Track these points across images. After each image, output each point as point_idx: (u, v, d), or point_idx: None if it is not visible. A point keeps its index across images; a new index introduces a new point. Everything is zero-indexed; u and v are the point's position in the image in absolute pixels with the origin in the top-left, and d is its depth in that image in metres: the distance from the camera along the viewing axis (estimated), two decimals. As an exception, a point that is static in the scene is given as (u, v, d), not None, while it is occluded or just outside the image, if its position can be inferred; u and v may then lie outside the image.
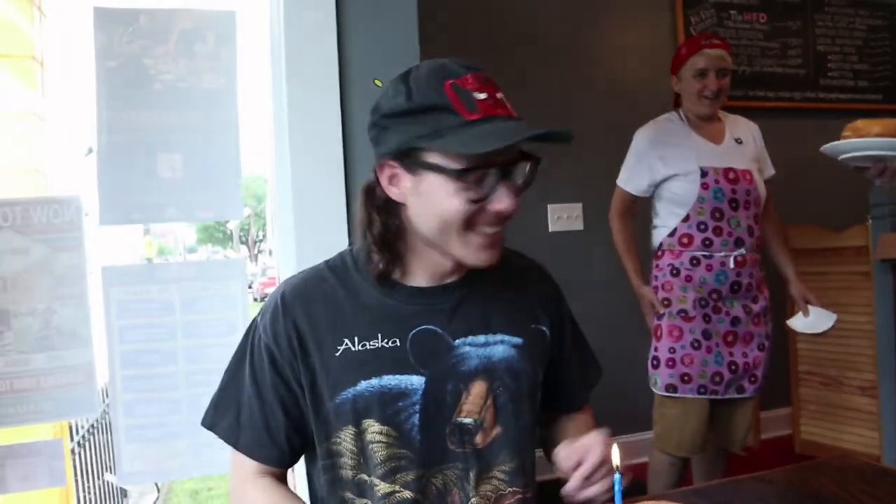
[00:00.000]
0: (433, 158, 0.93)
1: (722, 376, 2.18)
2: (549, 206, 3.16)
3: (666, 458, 2.24)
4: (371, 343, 1.00)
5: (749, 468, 1.17)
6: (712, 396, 2.19)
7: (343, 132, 1.50)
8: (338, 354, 0.99)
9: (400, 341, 1.00)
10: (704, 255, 2.16)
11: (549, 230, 3.17)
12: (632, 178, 2.28)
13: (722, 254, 2.15)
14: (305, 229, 1.51)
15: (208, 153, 1.47)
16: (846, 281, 3.00)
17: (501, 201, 0.94)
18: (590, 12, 3.29)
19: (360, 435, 0.99)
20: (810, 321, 2.28)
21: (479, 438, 1.02)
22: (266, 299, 1.08)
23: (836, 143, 1.36)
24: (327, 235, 1.50)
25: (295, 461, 1.07)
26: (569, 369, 1.15)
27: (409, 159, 0.94)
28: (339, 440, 1.00)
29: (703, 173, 2.15)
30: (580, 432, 1.02)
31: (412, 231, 1.00)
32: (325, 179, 1.51)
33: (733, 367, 2.19)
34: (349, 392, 0.98)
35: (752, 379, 2.23)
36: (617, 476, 0.63)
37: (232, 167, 1.45)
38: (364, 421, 0.99)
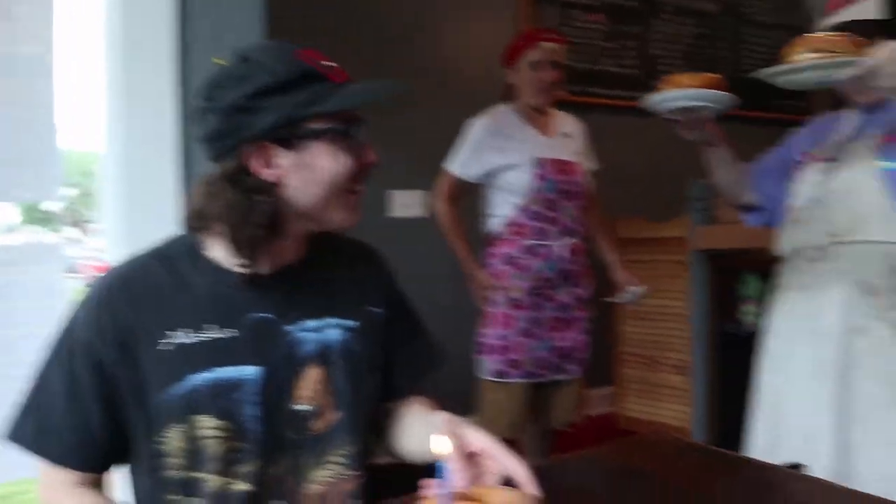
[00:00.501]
0: (316, 125, 0.93)
1: (548, 361, 2.29)
2: (390, 192, 3.18)
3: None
4: (203, 334, 0.96)
5: (577, 444, 1.25)
6: (538, 380, 2.30)
7: (183, 113, 1.42)
8: (165, 348, 0.94)
9: (234, 331, 0.97)
10: (538, 244, 2.25)
11: (391, 215, 3.18)
12: (466, 164, 2.31)
13: (555, 243, 2.26)
14: (138, 211, 1.43)
15: (23, 127, 1.33)
16: (666, 269, 3.26)
17: (370, 154, 0.99)
18: (436, 2, 3.33)
19: (190, 432, 0.94)
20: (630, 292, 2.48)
21: (318, 424, 1.01)
22: (86, 291, 1.00)
23: (657, 93, 1.45)
24: (160, 218, 1.42)
25: (114, 465, 1.00)
26: (400, 354, 1.15)
27: (289, 133, 0.93)
28: (165, 439, 0.94)
29: (537, 164, 2.23)
30: (417, 422, 1.06)
31: (285, 210, 0.96)
32: (159, 160, 1.43)
33: (558, 352, 2.30)
34: (177, 388, 0.93)
35: (579, 361, 2.35)
36: (443, 464, 0.65)
37: (48, 142, 1.32)
38: (194, 417, 0.94)
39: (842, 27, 1.50)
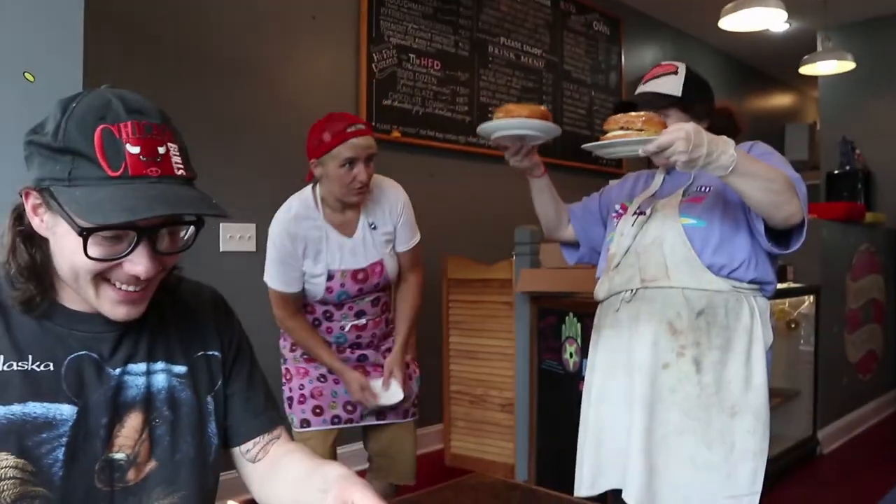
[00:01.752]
0: (67, 206, 0.84)
1: (353, 404, 2.18)
2: (222, 226, 3.06)
3: None
4: (19, 364, 0.88)
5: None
6: (348, 425, 2.19)
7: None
8: None
9: (54, 366, 0.90)
10: (325, 318, 2.17)
11: (221, 250, 3.05)
12: (280, 279, 2.13)
13: (341, 322, 2.17)
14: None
15: None
16: (493, 309, 3.36)
17: (136, 264, 0.88)
18: (278, 35, 3.28)
19: None
20: (388, 393, 2.20)
21: (131, 474, 0.94)
22: None
23: (494, 122, 1.56)
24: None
25: None
26: (239, 396, 1.09)
27: (47, 196, 0.86)
28: None
29: (329, 276, 2.10)
30: (301, 472, 1.02)
31: (49, 270, 0.91)
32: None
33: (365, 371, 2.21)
34: None
35: (392, 406, 2.21)
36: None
37: None
38: None
39: (646, 96, 1.72)
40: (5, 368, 0.87)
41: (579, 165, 4.70)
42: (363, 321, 2.20)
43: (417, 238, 2.26)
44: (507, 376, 3.30)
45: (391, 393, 2.20)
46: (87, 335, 0.93)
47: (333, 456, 2.21)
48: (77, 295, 0.92)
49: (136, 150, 0.84)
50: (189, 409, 1.00)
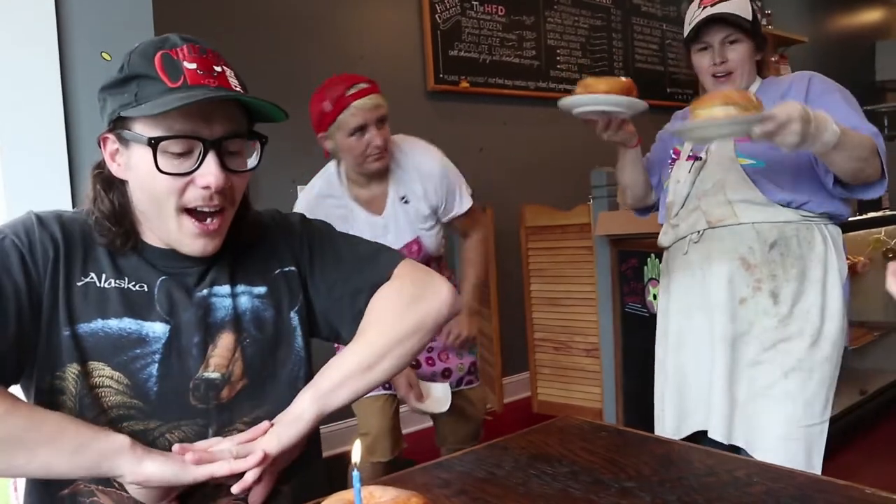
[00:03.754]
0: (136, 128, 0.91)
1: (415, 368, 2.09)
2: (300, 189, 3.12)
3: (373, 469, 2.09)
4: (117, 282, 0.96)
5: (494, 432, 1.24)
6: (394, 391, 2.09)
7: (65, 107, 1.34)
8: (80, 284, 0.94)
9: (147, 287, 0.97)
10: None
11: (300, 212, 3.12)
12: None
13: None
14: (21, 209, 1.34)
15: None
16: (573, 255, 3.33)
17: (206, 176, 0.91)
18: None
19: (84, 376, 0.92)
20: (435, 400, 2.09)
21: (224, 392, 0.98)
22: (8, 222, 0.97)
23: (569, 98, 1.48)
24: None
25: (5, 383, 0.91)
26: (327, 291, 1.09)
27: (120, 130, 0.92)
28: (62, 376, 0.92)
29: None
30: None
31: (130, 211, 0.98)
32: (45, 158, 1.34)
33: (415, 362, 2.10)
34: (83, 327, 0.92)
35: (446, 373, 2.14)
36: (356, 473, 0.64)
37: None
38: (91, 362, 0.92)
39: (718, 19, 1.62)
40: (106, 285, 0.95)
41: (652, 103, 4.56)
42: None
43: (469, 200, 2.09)
44: (590, 321, 3.28)
45: (439, 400, 2.09)
46: (175, 263, 0.99)
47: (396, 428, 2.13)
48: (158, 233, 0.98)
49: (192, 66, 0.90)
50: (273, 328, 1.04)
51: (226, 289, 1.02)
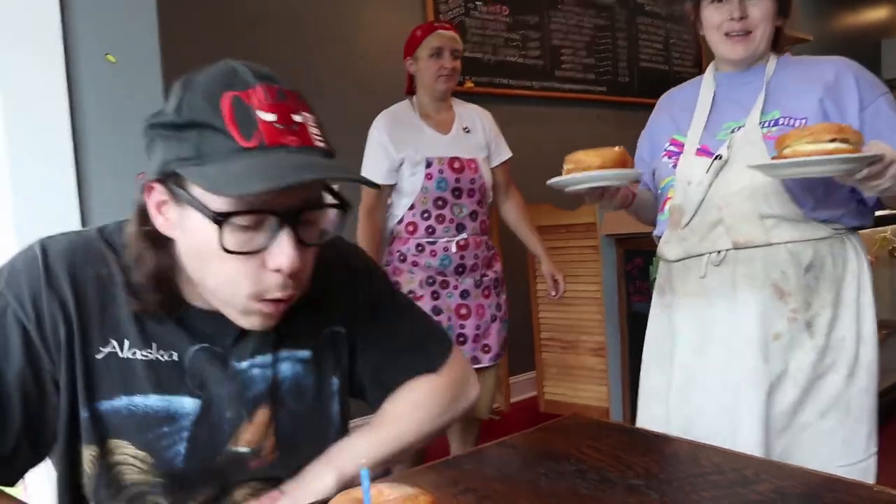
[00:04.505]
0: (196, 191, 0.76)
1: None
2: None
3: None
4: (143, 352, 0.84)
5: (501, 431, 1.25)
6: None
7: (71, 109, 1.34)
8: (100, 358, 0.82)
9: (177, 356, 0.86)
10: (428, 242, 2.28)
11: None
12: (372, 169, 2.31)
13: (444, 240, 2.29)
14: (28, 215, 1.34)
15: None
16: (579, 254, 3.33)
17: (278, 256, 0.77)
18: (343, -7, 3.29)
19: (104, 455, 0.84)
20: None
21: (253, 464, 0.92)
22: (14, 260, 0.83)
23: (561, 177, 1.37)
24: (54, 226, 1.34)
25: (11, 480, 0.84)
26: (373, 360, 1.03)
27: (174, 185, 0.77)
28: (79, 458, 0.84)
29: (428, 164, 2.26)
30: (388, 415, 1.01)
31: (176, 272, 0.85)
32: (50, 162, 1.34)
33: (461, 339, 2.33)
34: (104, 405, 0.83)
35: (486, 348, 2.38)
36: (364, 471, 0.64)
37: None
38: (112, 441, 0.84)
39: None
40: (129, 355, 0.84)
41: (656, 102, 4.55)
42: (464, 237, 2.29)
43: (509, 151, 2.48)
44: (596, 321, 3.28)
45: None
46: (212, 327, 0.88)
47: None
48: (208, 300, 0.85)
49: (269, 117, 0.74)
50: (312, 395, 0.96)
51: (268, 358, 0.92)
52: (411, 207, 2.28)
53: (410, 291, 2.29)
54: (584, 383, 3.42)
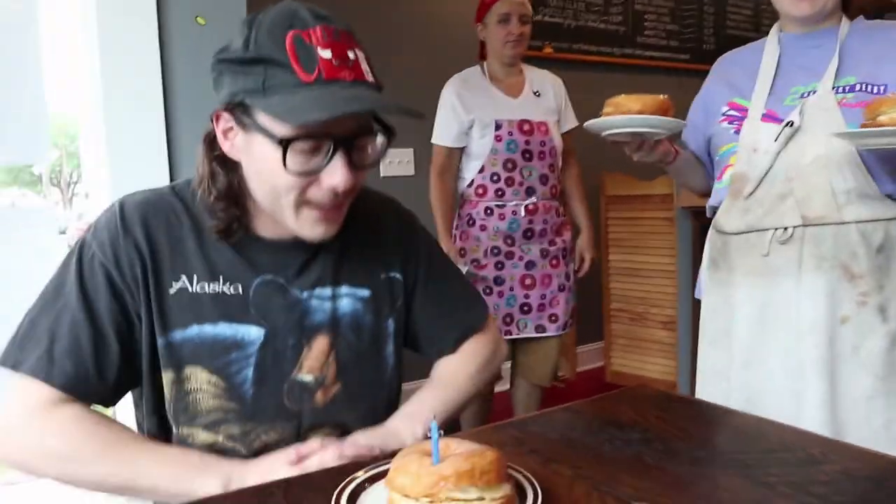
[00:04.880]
0: (261, 118, 0.85)
1: (512, 317, 2.36)
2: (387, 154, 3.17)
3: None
4: (210, 286, 0.94)
5: (565, 399, 1.27)
6: (506, 337, 2.36)
7: (162, 70, 1.41)
8: (173, 291, 0.92)
9: (242, 288, 0.95)
10: (497, 205, 2.30)
11: (381, 175, 3.18)
12: (442, 131, 2.35)
13: (513, 202, 2.30)
14: (122, 171, 1.42)
15: (6, 87, 1.32)
16: (653, 226, 3.28)
17: (333, 175, 0.87)
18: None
19: (180, 382, 0.93)
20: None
21: (318, 395, 0.99)
22: (100, 216, 0.95)
23: (599, 119, 1.33)
24: (147, 178, 1.42)
25: (115, 401, 0.95)
26: (424, 319, 1.11)
27: (241, 114, 0.87)
28: (158, 383, 0.94)
29: (497, 126, 2.27)
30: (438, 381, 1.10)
31: (244, 190, 0.94)
32: (143, 119, 1.41)
33: (525, 308, 2.36)
34: (178, 334, 0.92)
35: (552, 318, 2.40)
36: (433, 423, 0.68)
37: (36, 103, 1.32)
38: (187, 368, 0.93)
39: None
40: (199, 290, 0.93)
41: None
42: (534, 200, 2.31)
43: (576, 122, 2.48)
44: (668, 294, 3.24)
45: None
46: (273, 260, 0.97)
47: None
48: (271, 220, 0.95)
49: (327, 53, 0.83)
50: (370, 333, 1.03)
51: (327, 291, 1.00)
52: (481, 170, 2.30)
53: (475, 260, 2.32)
54: (651, 356, 3.39)
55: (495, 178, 2.29)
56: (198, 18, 1.43)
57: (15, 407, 0.88)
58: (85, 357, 0.89)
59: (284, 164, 0.85)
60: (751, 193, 1.40)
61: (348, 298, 1.02)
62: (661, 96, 1.31)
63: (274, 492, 0.82)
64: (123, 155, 1.42)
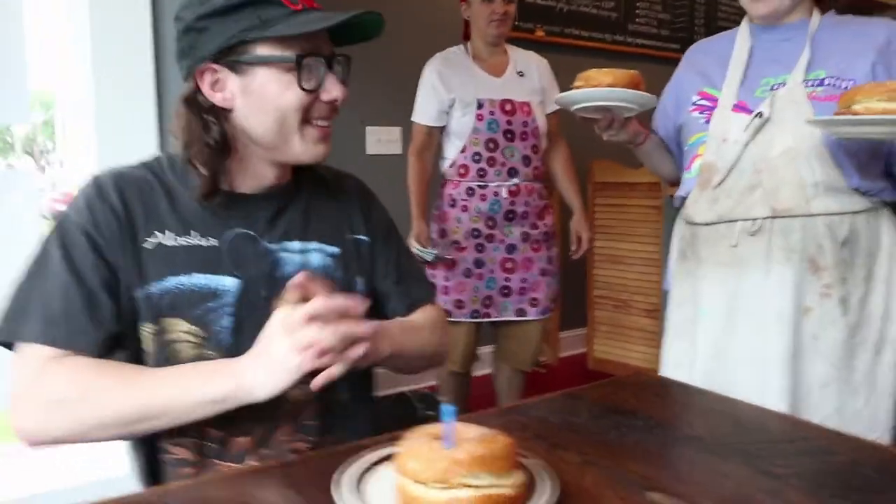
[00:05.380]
0: (264, 50, 0.93)
1: (492, 299, 2.34)
2: (368, 129, 3.13)
3: (450, 377, 2.45)
4: (184, 239, 0.97)
5: (547, 384, 1.26)
6: (485, 319, 2.36)
7: (155, 42, 1.36)
8: (148, 246, 0.96)
9: (216, 241, 0.98)
10: (479, 185, 2.28)
11: (367, 153, 3.15)
12: (422, 109, 2.32)
13: (495, 183, 2.28)
14: (108, 140, 1.37)
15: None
16: (640, 213, 3.29)
17: (331, 90, 0.97)
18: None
19: (160, 333, 0.95)
20: None
21: None
22: (79, 191, 0.99)
23: (569, 92, 1.32)
24: (135, 147, 1.38)
25: (109, 353, 0.96)
26: (388, 283, 1.14)
27: (236, 57, 0.93)
28: (141, 337, 0.95)
29: (479, 105, 2.24)
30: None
31: (241, 137, 0.98)
32: (132, 88, 1.37)
33: (505, 291, 2.34)
34: (154, 287, 0.95)
35: (533, 302, 2.38)
36: (448, 406, 0.66)
37: (15, 63, 1.26)
38: (166, 319, 0.95)
39: None
40: (173, 243, 0.96)
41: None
42: (516, 181, 2.28)
43: (557, 107, 2.34)
44: (652, 282, 3.25)
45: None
46: (245, 214, 1.01)
47: (474, 349, 2.43)
48: (245, 171, 1.00)
49: None
50: (341, 288, 1.04)
51: (296, 245, 1.04)
52: (463, 150, 2.27)
53: (455, 242, 2.30)
54: (634, 343, 3.40)
55: (477, 157, 2.26)
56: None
57: (23, 375, 0.89)
58: (79, 314, 0.91)
59: (299, 81, 0.93)
60: (719, 184, 1.40)
61: (318, 254, 1.05)
62: (633, 71, 1.30)
63: (274, 472, 0.80)
64: (112, 129, 1.37)
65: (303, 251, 1.04)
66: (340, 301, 0.88)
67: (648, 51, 4.08)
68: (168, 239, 0.96)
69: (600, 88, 1.28)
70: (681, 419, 0.95)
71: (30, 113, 1.34)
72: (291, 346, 0.84)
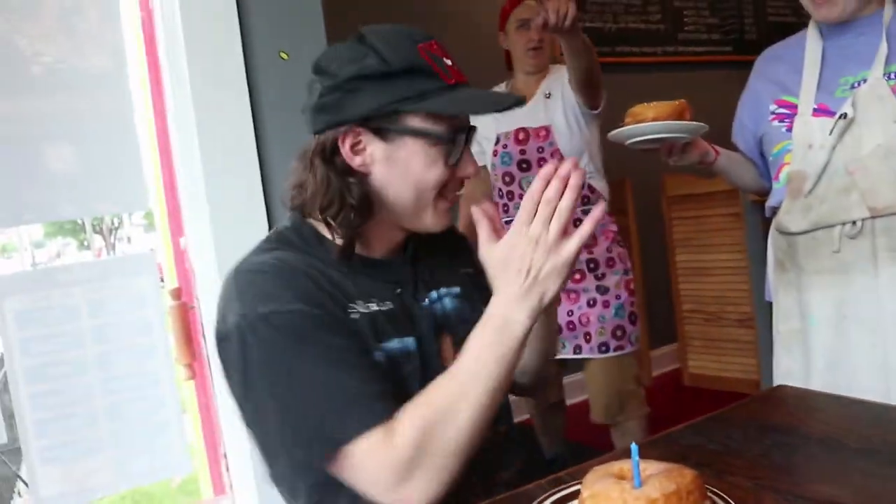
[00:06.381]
0: (415, 122, 0.93)
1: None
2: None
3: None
4: (372, 305, 0.94)
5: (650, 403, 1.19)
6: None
7: (252, 110, 1.41)
8: (355, 316, 0.91)
9: (391, 304, 0.97)
10: (506, 221, 2.09)
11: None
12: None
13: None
14: (219, 215, 1.42)
15: (102, 141, 1.34)
16: (720, 223, 3.21)
17: (467, 167, 0.98)
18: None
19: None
20: None
21: None
22: (226, 293, 0.91)
23: (619, 130, 1.39)
24: (244, 217, 1.41)
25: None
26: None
27: (386, 124, 0.92)
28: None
29: (497, 140, 2.16)
30: None
31: (377, 200, 0.96)
32: (236, 158, 1.41)
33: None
34: (377, 355, 0.92)
35: (587, 337, 2.13)
36: (634, 446, 0.65)
37: (131, 154, 1.33)
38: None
39: None
40: (369, 310, 0.93)
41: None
42: None
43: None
44: (741, 290, 3.16)
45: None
46: (389, 276, 1.00)
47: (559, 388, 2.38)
48: (379, 236, 0.99)
49: (448, 61, 0.94)
50: (472, 324, 0.98)
51: (433, 294, 1.05)
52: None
53: None
54: (730, 355, 3.30)
55: (499, 194, 2.18)
56: (281, 53, 1.43)
57: (373, 466, 0.83)
58: (371, 383, 0.87)
59: (447, 159, 0.94)
60: (811, 191, 1.35)
61: (448, 298, 1.06)
62: (678, 101, 1.38)
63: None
64: (219, 198, 1.41)
65: (439, 299, 1.05)
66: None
67: (701, 58, 4.03)
68: (362, 307, 0.93)
69: (646, 124, 1.35)
70: (846, 431, 0.91)
71: (148, 196, 1.40)
72: (546, 247, 0.85)
